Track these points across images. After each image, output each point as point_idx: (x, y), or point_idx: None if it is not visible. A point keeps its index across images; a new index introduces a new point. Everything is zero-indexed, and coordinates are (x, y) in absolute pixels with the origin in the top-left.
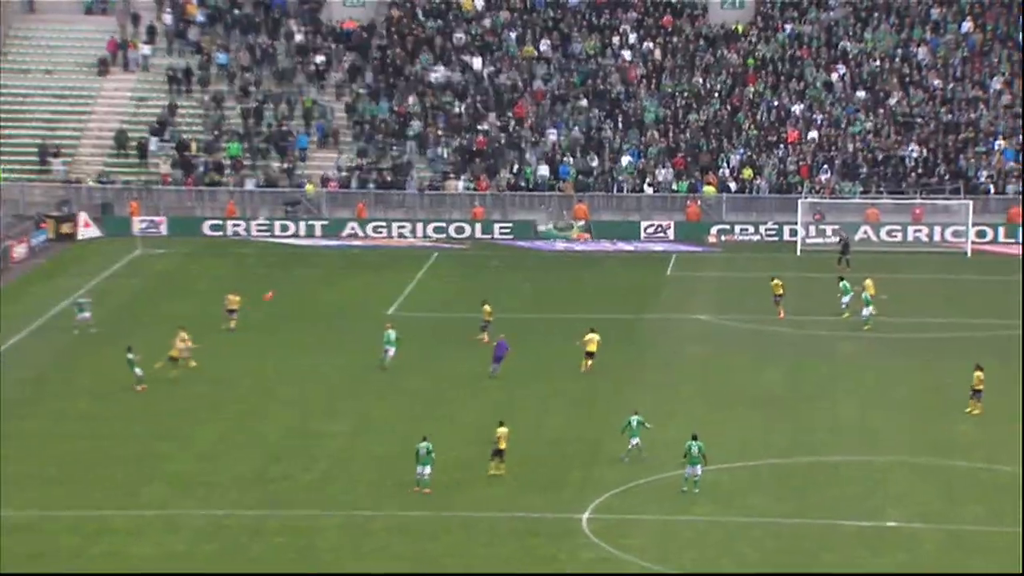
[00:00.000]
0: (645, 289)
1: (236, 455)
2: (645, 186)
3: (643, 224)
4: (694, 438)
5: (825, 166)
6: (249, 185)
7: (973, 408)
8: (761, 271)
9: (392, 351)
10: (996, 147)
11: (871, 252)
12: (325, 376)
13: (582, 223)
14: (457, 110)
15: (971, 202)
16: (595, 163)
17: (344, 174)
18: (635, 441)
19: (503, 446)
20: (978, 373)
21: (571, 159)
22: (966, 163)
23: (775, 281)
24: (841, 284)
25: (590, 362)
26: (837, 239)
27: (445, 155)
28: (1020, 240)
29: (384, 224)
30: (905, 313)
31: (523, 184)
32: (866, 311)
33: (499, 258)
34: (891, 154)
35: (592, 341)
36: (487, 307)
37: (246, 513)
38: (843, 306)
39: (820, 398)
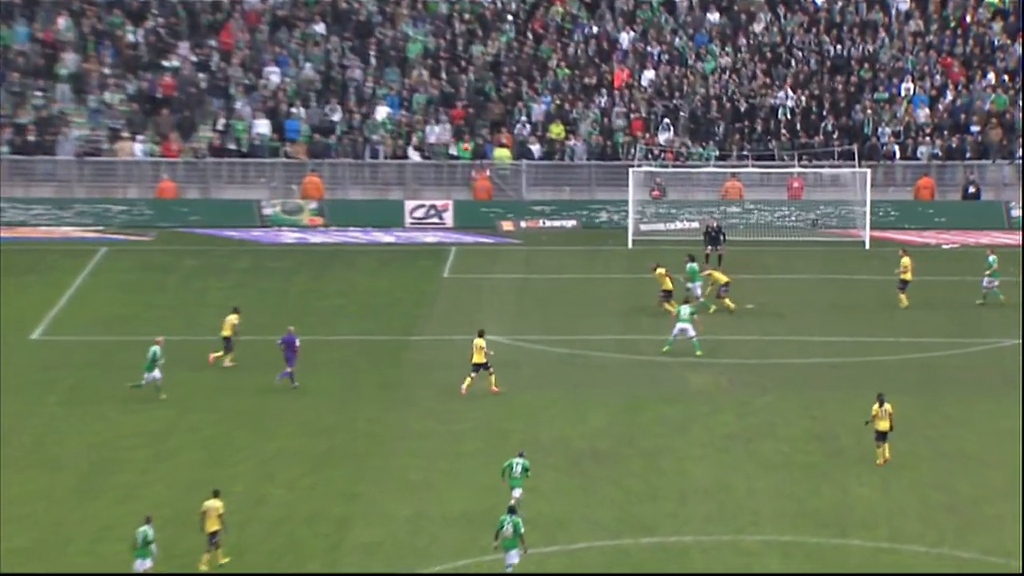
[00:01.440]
0: (411, 298)
1: None
2: (410, 150)
3: (408, 205)
4: (510, 511)
5: (666, 120)
6: None
7: (880, 456)
8: (576, 271)
9: (158, 375)
10: (902, 92)
11: (730, 242)
12: None
13: (313, 204)
14: (132, 38)
15: (869, 171)
16: (337, 116)
17: None
18: (517, 493)
19: (215, 527)
20: (879, 406)
21: (302, 111)
22: (862, 115)
23: (659, 271)
24: (688, 267)
25: (471, 379)
26: (704, 228)
27: (115, 104)
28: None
29: (23, 206)
30: (779, 329)
31: (232, 147)
32: (675, 329)
33: (195, 255)
34: (757, 103)
35: (479, 349)
36: (233, 317)
37: None
38: (696, 296)
39: (662, 453)
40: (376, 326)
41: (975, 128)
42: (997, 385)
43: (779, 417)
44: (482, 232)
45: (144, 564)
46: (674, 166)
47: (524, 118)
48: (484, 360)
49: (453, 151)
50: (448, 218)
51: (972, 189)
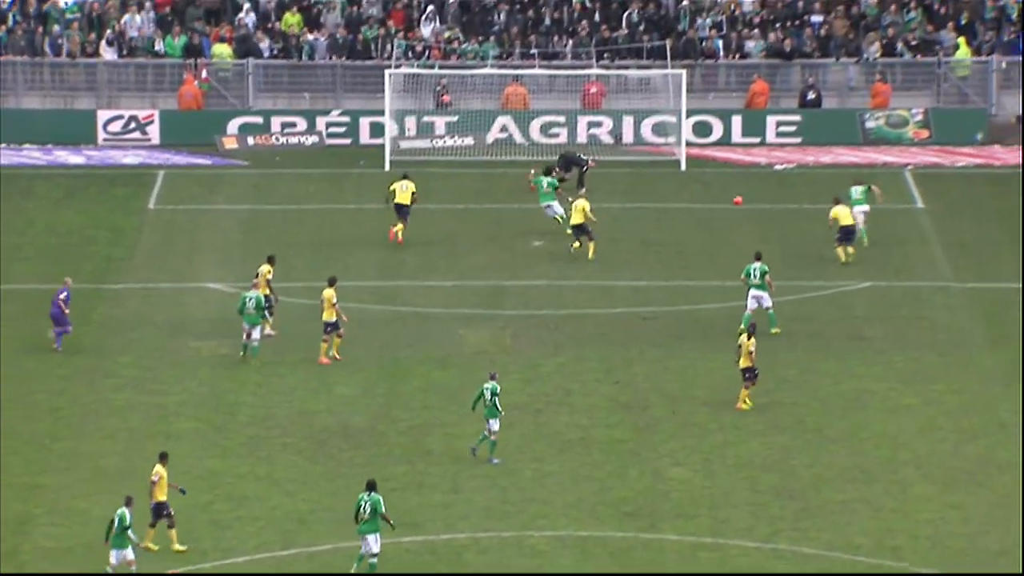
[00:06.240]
0: (106, 237)
1: None
2: (103, 46)
3: (102, 117)
4: (369, 488)
5: (430, 8)
6: None
7: (743, 400)
8: (320, 200)
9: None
10: None
11: (510, 163)
12: None
13: None
14: None
15: (684, 72)
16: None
17: None
18: (494, 426)
19: (163, 497)
20: (748, 339)
21: None
22: (674, 2)
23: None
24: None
25: (324, 342)
26: (560, 160)
27: None
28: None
29: None
30: (574, 272)
31: None
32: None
33: None
34: None
35: (329, 303)
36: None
37: None
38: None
39: (430, 430)
40: (60, 272)
41: (817, 18)
42: (840, 340)
43: (576, 383)
44: (198, 151)
45: (121, 555)
46: (442, 67)
47: (249, 5)
48: (335, 318)
49: (160, 47)
50: (153, 133)
51: (812, 95)
